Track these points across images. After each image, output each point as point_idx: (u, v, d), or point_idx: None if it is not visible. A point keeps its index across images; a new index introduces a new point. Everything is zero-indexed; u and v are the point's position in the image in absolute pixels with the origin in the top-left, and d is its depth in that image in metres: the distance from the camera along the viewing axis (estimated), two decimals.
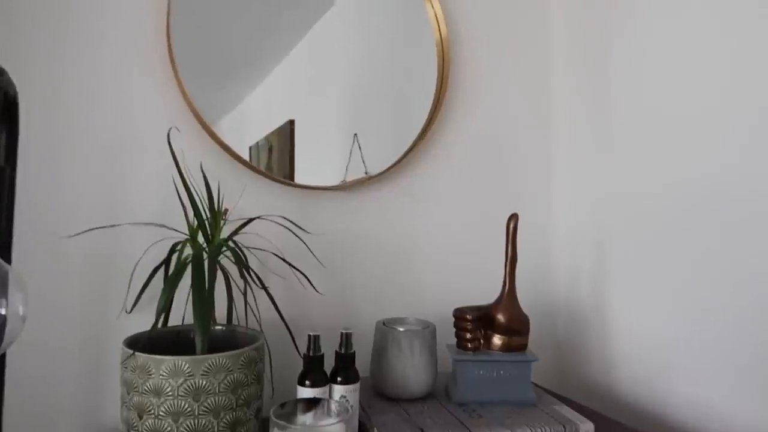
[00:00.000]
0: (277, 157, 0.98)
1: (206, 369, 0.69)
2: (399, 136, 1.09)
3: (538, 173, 1.22)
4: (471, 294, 1.16)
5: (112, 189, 0.91)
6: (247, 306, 0.78)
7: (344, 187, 1.05)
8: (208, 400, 0.70)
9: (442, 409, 0.88)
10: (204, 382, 0.69)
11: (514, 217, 0.94)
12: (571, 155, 1.18)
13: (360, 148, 1.05)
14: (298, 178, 1.01)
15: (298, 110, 1.00)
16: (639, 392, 1.01)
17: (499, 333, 0.93)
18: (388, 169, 1.07)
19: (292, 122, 0.98)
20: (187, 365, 0.69)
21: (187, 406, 0.69)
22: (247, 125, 0.97)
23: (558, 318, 1.22)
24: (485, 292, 1.15)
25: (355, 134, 1.04)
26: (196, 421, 0.69)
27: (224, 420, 0.71)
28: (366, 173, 1.05)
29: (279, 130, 0.98)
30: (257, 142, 0.97)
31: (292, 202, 1.02)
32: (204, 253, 0.77)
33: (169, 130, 0.83)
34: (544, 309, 1.21)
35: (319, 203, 1.05)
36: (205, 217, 0.82)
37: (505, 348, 0.93)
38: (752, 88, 0.82)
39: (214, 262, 0.72)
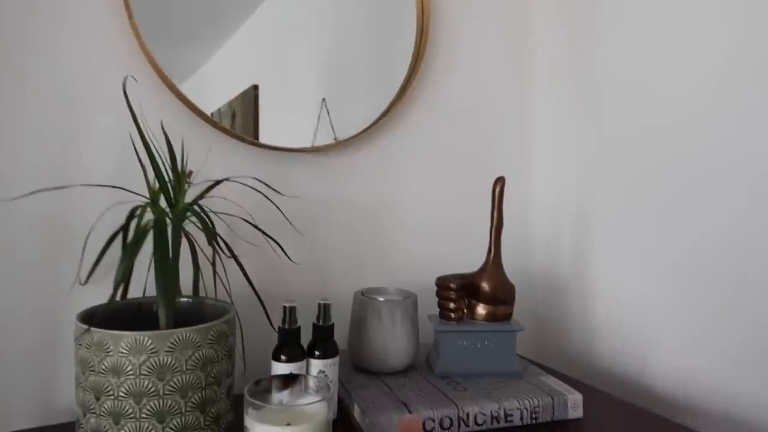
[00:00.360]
0: (240, 123, 0.91)
1: (172, 345, 0.63)
2: (376, 96, 1.02)
3: (520, 135, 1.17)
4: (454, 262, 1.11)
5: (63, 147, 0.82)
6: (216, 276, 0.71)
7: (319, 149, 0.98)
8: (174, 379, 0.63)
9: (425, 382, 0.83)
10: (169, 360, 0.63)
11: (500, 181, 0.89)
12: (554, 117, 1.14)
13: (328, 113, 0.98)
14: None
15: (262, 74, 0.92)
16: (623, 362, 0.98)
17: (483, 302, 0.89)
18: (365, 130, 1.00)
19: (256, 87, 0.91)
20: (150, 341, 0.62)
21: (150, 385, 0.62)
22: (209, 90, 0.88)
23: (537, 287, 1.18)
24: (469, 259, 1.11)
25: (323, 99, 0.97)
26: (161, 401, 0.63)
27: (192, 400, 0.65)
28: (335, 139, 0.98)
29: (242, 96, 0.90)
30: (219, 109, 0.89)
31: (261, 166, 0.95)
32: (167, 218, 0.69)
33: (125, 80, 0.74)
34: (524, 278, 1.18)
35: (292, 166, 0.97)
36: (167, 179, 0.75)
37: (490, 318, 0.89)
38: (738, 56, 0.78)
39: (178, 228, 0.65)
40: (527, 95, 1.17)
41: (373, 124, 1.01)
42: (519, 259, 1.17)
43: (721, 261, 0.82)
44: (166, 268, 0.63)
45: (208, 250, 0.76)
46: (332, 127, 0.98)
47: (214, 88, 0.89)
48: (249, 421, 0.59)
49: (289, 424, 0.59)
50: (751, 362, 0.79)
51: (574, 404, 0.80)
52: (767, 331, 0.77)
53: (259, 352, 0.88)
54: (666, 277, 0.91)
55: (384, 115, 1.02)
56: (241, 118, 0.90)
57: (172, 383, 0.63)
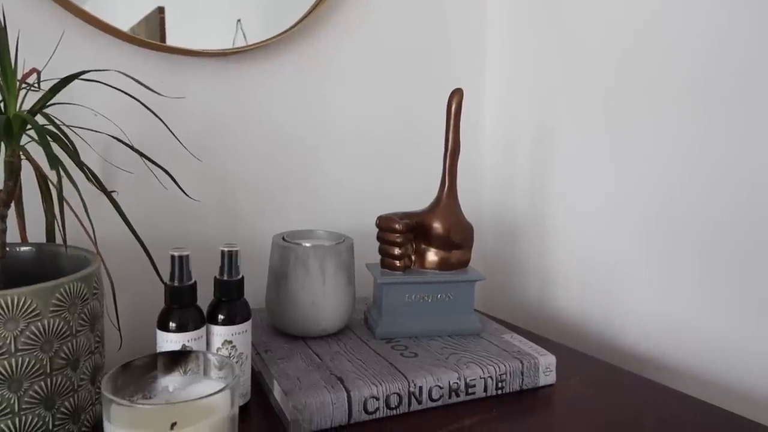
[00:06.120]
0: None
1: None
2: (302, 3, 0.82)
3: (471, 44, 0.98)
4: (398, 197, 0.93)
5: None
6: (63, 214, 0.50)
7: (227, 53, 0.76)
8: None
9: (364, 348, 0.67)
10: None
11: (457, 94, 0.71)
12: (512, 24, 0.96)
13: (245, 36, 0.79)
14: None
15: None
16: (585, 312, 0.85)
17: (435, 247, 0.72)
18: (285, 32, 0.79)
19: (161, 9, 0.76)
20: None
21: None
22: (108, 15, 0.71)
23: (486, 224, 1.02)
24: (416, 194, 0.93)
25: (239, 20, 0.79)
26: None
27: (31, 393, 0.44)
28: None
29: (146, 20, 0.76)
30: None
31: (148, 72, 0.72)
32: None
33: None
34: (472, 214, 1.01)
35: (191, 76, 0.75)
36: None
37: (444, 265, 0.72)
38: None
39: None
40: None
41: (295, 25, 0.80)
42: (467, 192, 1.00)
43: (701, 196, 0.69)
44: None
45: (67, 183, 0.54)
46: None
47: (113, 13, 0.73)
48: (110, 428, 0.39)
49: (174, 425, 0.40)
50: (734, 306, 0.67)
51: (546, 368, 0.65)
52: (753, 273, 0.65)
53: (148, 318, 0.68)
54: (637, 213, 0.77)
55: (308, 14, 0.80)
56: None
57: None
